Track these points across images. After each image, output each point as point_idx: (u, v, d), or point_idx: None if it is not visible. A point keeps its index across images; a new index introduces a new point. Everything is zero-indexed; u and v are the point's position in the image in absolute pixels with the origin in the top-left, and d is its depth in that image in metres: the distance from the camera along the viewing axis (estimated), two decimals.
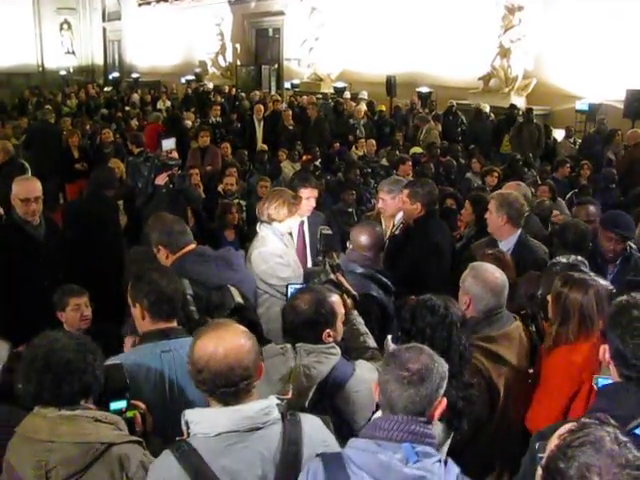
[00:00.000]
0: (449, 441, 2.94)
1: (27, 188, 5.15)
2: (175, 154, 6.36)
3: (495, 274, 3.57)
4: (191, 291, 3.61)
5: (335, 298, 3.23)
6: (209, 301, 3.72)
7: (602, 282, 3.59)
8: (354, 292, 3.79)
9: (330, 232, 4.42)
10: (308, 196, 5.30)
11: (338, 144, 12.87)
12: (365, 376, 3.06)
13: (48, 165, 9.09)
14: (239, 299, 3.76)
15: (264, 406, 2.32)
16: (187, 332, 3.18)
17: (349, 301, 3.66)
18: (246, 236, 7.23)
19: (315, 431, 2.39)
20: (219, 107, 15.97)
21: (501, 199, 5.10)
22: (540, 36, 16.12)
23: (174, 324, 3.23)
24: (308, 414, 2.46)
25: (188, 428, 2.32)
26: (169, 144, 6.31)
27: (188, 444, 2.28)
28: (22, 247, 5.06)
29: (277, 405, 2.36)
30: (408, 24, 18.76)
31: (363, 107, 16.22)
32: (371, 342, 3.56)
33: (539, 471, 1.78)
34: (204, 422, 2.30)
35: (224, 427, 2.27)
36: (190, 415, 2.33)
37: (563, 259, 4.29)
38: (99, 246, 6.04)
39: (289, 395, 2.49)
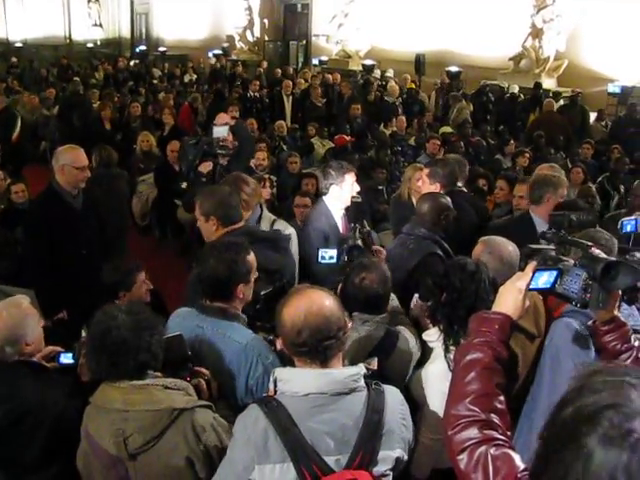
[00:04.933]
0: None
1: (81, 156, 5.21)
2: (230, 142, 5.98)
3: (509, 247, 3.68)
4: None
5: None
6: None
7: None
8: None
9: (359, 199, 4.48)
10: (353, 181, 5.21)
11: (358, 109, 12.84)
12: (409, 342, 3.40)
13: (80, 136, 9.11)
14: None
15: (354, 372, 2.37)
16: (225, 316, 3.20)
17: None
18: (276, 211, 7.30)
19: (396, 403, 2.45)
20: (258, 82, 15.96)
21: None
22: (573, 17, 15.90)
23: (226, 305, 3.21)
24: (390, 386, 2.51)
25: (275, 386, 2.38)
26: (221, 131, 5.93)
27: (277, 401, 2.32)
28: (62, 216, 5.11)
29: (366, 373, 2.41)
30: (438, 1, 18.57)
31: (394, 85, 16.12)
32: (396, 303, 3.78)
33: None
34: (294, 381, 2.35)
35: (314, 388, 2.31)
36: (281, 373, 2.40)
37: None
38: None
39: (375, 366, 2.55)
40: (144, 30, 33.80)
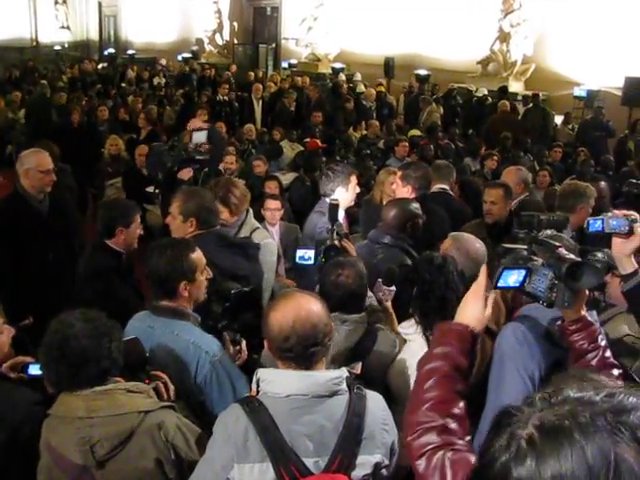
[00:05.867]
0: None
1: (45, 160, 5.16)
2: (204, 146, 5.81)
3: (476, 244, 3.79)
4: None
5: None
6: (220, 286, 3.65)
7: None
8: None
9: (337, 202, 4.47)
10: (356, 183, 5.23)
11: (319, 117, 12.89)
12: (388, 342, 3.40)
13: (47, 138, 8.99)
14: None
15: (336, 375, 2.39)
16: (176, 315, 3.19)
17: None
18: None
19: (377, 408, 2.46)
20: (227, 85, 15.91)
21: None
22: (540, 21, 16.11)
23: (176, 303, 3.19)
24: (372, 391, 2.52)
25: (258, 386, 2.39)
26: (200, 137, 5.79)
27: (258, 401, 2.34)
28: (28, 222, 5.05)
29: (346, 378, 2.42)
30: (407, 5, 18.65)
31: (371, 89, 16.16)
32: (375, 303, 3.78)
33: None
34: (276, 382, 2.36)
35: (295, 390, 2.33)
36: (263, 374, 2.40)
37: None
38: None
39: (358, 371, 2.55)
40: (112, 33, 33.54)
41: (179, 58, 25.00)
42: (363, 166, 9.45)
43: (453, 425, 1.96)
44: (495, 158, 9.26)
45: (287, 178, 8.54)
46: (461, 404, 2.04)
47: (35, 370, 3.16)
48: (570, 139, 13.28)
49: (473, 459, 1.78)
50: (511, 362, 2.75)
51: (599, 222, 2.94)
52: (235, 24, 26.28)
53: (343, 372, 2.43)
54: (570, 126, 14.23)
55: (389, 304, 3.82)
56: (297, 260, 4.09)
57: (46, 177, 5.09)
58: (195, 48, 26.53)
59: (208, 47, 26.75)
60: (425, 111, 14.49)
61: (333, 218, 4.27)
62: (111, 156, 9.45)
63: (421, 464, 1.90)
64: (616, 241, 2.89)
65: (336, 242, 4.05)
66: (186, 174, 5.59)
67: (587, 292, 2.40)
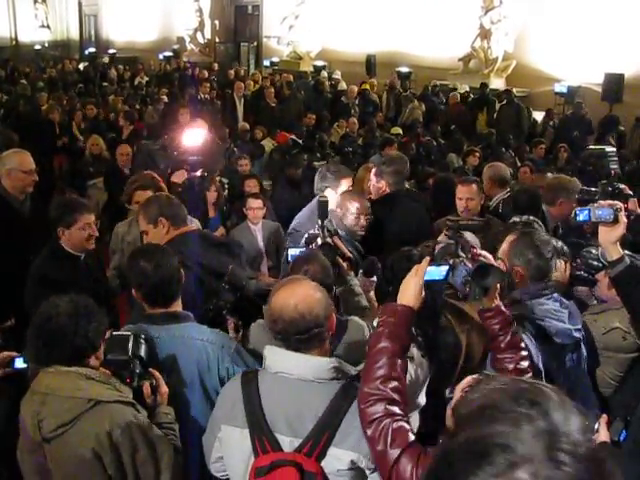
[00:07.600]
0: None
1: (28, 160, 5.13)
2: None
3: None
4: None
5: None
6: (209, 285, 3.66)
7: None
8: (350, 254, 4.04)
9: (326, 199, 4.45)
10: (349, 187, 5.20)
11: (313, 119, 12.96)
12: (357, 329, 3.38)
13: (27, 140, 8.93)
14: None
15: (329, 363, 2.45)
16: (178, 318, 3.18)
17: (345, 264, 3.92)
18: (228, 213, 7.28)
19: None
20: (208, 84, 15.88)
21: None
22: (521, 18, 16.19)
23: (173, 308, 3.17)
24: None
25: (266, 360, 2.52)
26: (194, 139, 5.76)
27: (255, 373, 2.53)
28: (8, 222, 4.99)
29: (342, 369, 2.46)
30: (389, 2, 18.69)
31: (353, 86, 16.19)
32: (364, 302, 3.80)
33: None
34: (272, 359, 2.48)
35: (284, 368, 2.43)
36: (267, 349, 2.52)
37: (517, 218, 4.62)
38: None
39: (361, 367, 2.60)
40: (93, 32, 33.30)
41: (160, 57, 24.89)
42: (347, 164, 9.49)
43: (396, 397, 2.30)
44: (477, 155, 9.28)
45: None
46: (403, 380, 2.39)
47: (21, 363, 3.18)
48: (550, 135, 13.39)
49: (408, 427, 2.26)
50: None
51: (586, 212, 3.10)
52: (216, 22, 26.20)
53: (333, 361, 2.46)
54: (552, 123, 14.31)
55: (372, 294, 3.83)
56: (289, 259, 4.02)
57: (28, 177, 5.06)
58: (176, 47, 26.44)
59: (189, 46, 26.67)
60: (407, 108, 14.53)
61: (323, 215, 4.25)
62: (92, 156, 9.40)
63: (370, 428, 2.26)
64: (602, 230, 3.12)
65: (328, 239, 4.04)
66: (180, 177, 5.54)
67: (498, 287, 2.73)
